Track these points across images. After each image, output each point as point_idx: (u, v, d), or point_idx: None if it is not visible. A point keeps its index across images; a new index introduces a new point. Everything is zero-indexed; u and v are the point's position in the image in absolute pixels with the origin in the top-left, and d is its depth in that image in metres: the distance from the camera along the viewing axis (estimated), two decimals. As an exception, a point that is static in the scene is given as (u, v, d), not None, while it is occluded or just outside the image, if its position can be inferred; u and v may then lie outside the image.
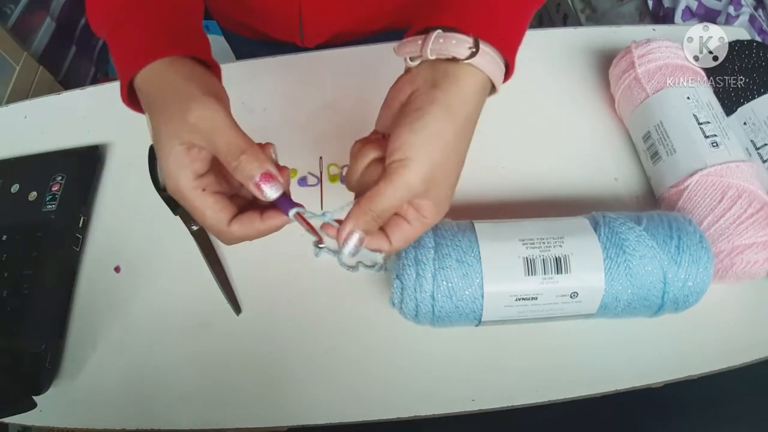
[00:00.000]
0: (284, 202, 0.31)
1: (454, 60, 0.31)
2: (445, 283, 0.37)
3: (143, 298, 0.47)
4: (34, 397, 0.42)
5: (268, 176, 0.30)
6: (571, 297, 0.37)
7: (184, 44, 0.33)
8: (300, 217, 0.31)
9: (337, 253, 0.47)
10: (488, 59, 0.31)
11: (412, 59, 0.33)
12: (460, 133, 0.31)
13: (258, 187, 0.30)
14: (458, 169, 0.32)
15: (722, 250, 0.41)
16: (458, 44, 0.31)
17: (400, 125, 0.31)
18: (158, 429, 0.42)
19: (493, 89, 0.33)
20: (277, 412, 0.42)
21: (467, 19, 0.31)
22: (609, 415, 0.62)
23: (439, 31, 0.31)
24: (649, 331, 0.42)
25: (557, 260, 0.37)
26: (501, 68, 0.33)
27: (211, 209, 0.31)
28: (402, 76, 0.34)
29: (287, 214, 0.31)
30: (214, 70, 0.35)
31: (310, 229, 0.32)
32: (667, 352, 0.42)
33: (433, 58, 0.31)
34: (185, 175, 0.30)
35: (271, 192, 0.30)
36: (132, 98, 0.34)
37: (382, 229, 0.33)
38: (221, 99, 0.31)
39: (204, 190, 0.31)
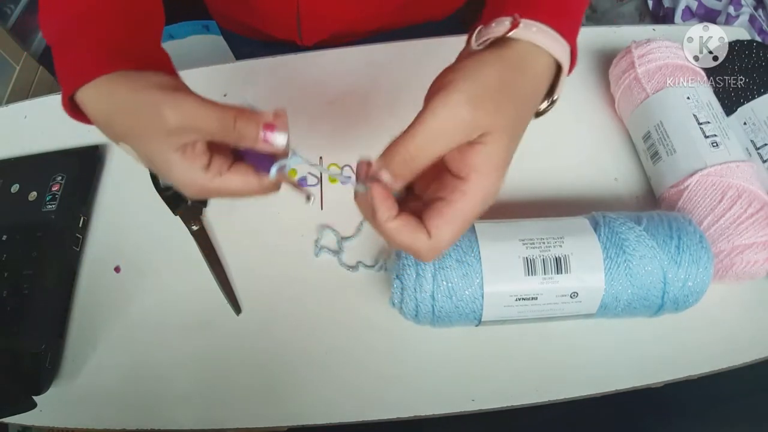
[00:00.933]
0: (264, 160, 0.30)
1: (500, 41, 0.30)
2: (445, 283, 0.37)
3: (143, 298, 0.47)
4: (34, 397, 0.42)
5: (268, 126, 0.28)
6: (571, 297, 0.37)
7: (140, 59, 0.32)
8: (282, 173, 0.30)
9: (337, 253, 0.47)
10: (535, 30, 0.29)
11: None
12: (518, 81, 0.28)
13: (267, 141, 0.29)
14: (517, 116, 0.28)
15: (722, 250, 0.41)
16: (498, 24, 0.30)
17: None
18: (158, 429, 0.42)
19: (560, 71, 0.31)
20: (277, 412, 0.42)
21: (507, 7, 0.30)
22: (609, 415, 0.62)
23: (481, 26, 0.31)
24: (649, 331, 0.42)
25: (557, 260, 0.37)
26: (559, 42, 0.30)
27: (238, 183, 0.30)
28: None
29: (270, 174, 0.30)
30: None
31: (296, 182, 0.32)
32: (667, 352, 0.42)
33: (479, 46, 0.30)
34: (197, 176, 0.30)
35: (280, 139, 0.29)
36: (74, 109, 0.32)
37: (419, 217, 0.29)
38: (182, 88, 0.30)
39: (221, 174, 0.30)
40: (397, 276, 0.38)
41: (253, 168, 0.31)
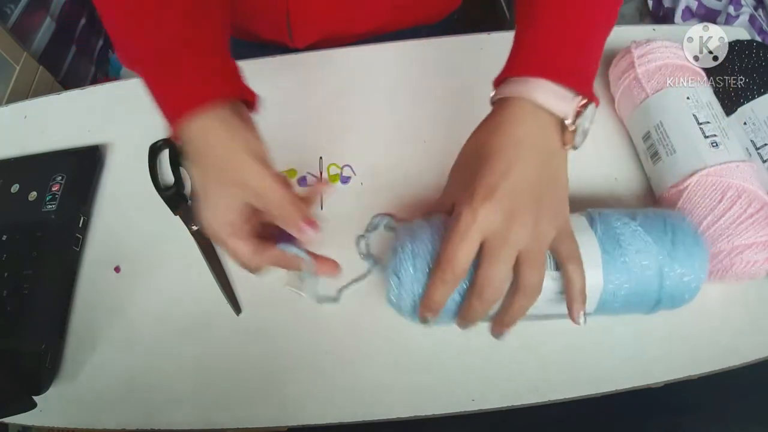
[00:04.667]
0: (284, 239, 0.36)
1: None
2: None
3: (143, 298, 0.47)
4: (34, 397, 0.42)
5: (308, 221, 0.34)
6: (570, 295, 0.37)
7: (229, 86, 0.36)
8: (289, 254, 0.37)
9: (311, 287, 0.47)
10: (522, 86, 0.34)
11: None
12: (517, 142, 0.34)
13: (301, 230, 0.34)
14: (498, 175, 0.33)
15: (722, 250, 0.40)
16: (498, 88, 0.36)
17: None
18: (158, 429, 0.42)
19: (564, 127, 0.35)
20: (277, 412, 0.42)
21: (515, 65, 0.36)
22: (609, 415, 0.62)
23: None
24: (649, 330, 0.42)
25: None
26: (556, 92, 0.34)
27: (243, 252, 0.35)
28: None
29: (279, 246, 0.36)
30: (253, 103, 0.38)
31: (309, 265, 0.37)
32: (667, 352, 0.42)
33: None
34: (224, 226, 0.35)
35: (310, 235, 0.35)
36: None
37: None
38: (266, 158, 0.34)
39: (238, 237, 0.35)
40: (394, 272, 0.38)
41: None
